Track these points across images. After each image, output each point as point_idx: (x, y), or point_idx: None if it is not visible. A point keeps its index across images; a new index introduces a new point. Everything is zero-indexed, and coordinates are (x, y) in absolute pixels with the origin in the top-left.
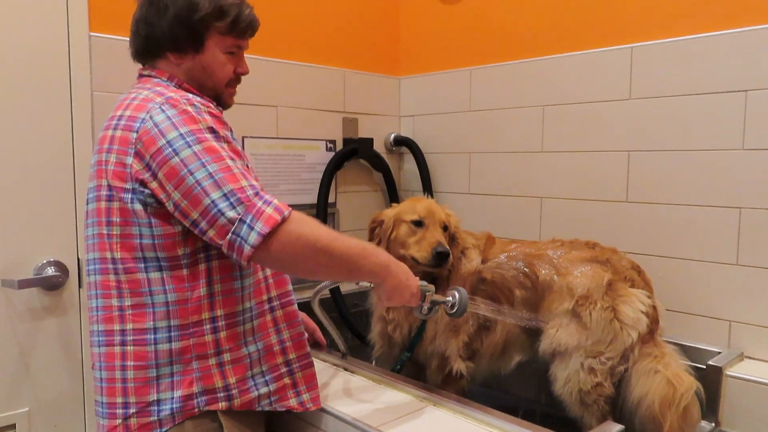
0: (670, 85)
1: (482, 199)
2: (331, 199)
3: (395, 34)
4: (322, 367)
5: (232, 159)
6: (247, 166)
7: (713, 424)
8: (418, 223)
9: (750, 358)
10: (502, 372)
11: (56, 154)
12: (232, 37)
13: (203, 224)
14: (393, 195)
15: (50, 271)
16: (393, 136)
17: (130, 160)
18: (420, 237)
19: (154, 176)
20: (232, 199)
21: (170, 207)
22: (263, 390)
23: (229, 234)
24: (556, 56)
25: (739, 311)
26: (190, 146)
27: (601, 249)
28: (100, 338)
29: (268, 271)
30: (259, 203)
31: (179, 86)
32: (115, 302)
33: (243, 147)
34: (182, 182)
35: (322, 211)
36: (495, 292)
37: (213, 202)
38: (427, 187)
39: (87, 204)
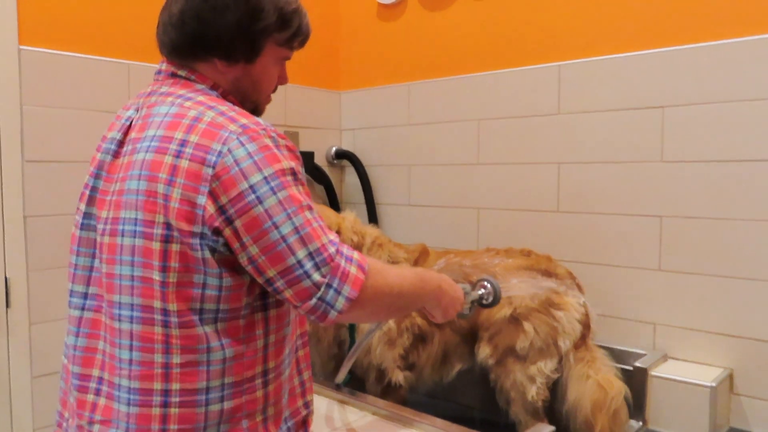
0: (595, 101)
1: (422, 210)
2: None
3: (335, 49)
4: None
5: (309, 209)
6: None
7: (641, 423)
8: None
9: (673, 358)
10: (444, 381)
11: None
12: (285, 49)
13: (280, 283)
14: (335, 207)
15: None
16: (334, 149)
17: (202, 200)
18: None
19: (229, 222)
20: (317, 259)
21: (243, 260)
22: None
23: (313, 299)
24: (489, 72)
25: (662, 314)
26: (274, 193)
27: (536, 257)
28: (132, 396)
29: None
30: (343, 263)
31: (224, 97)
32: (159, 358)
33: None
34: (264, 236)
35: None
36: None
37: (299, 262)
38: (369, 200)
39: (117, 236)
